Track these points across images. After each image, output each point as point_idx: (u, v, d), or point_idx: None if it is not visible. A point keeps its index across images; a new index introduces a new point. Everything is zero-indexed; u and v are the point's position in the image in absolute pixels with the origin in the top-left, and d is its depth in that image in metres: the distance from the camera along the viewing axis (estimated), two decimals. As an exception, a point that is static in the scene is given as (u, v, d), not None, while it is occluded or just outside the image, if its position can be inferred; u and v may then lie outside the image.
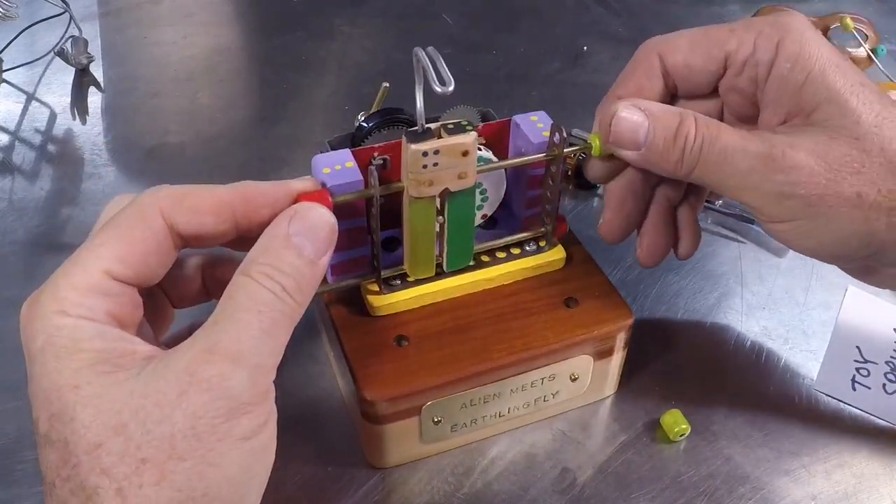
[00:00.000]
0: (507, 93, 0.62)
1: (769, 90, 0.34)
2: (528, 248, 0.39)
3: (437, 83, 0.30)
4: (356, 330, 0.36)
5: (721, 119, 0.37)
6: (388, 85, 0.45)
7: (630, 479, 0.37)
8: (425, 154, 0.32)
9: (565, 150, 0.36)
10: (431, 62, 0.30)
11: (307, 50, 0.68)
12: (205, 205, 0.29)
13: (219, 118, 0.61)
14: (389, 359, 0.35)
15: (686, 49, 0.36)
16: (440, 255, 0.37)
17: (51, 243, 0.49)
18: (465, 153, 0.32)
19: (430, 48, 0.30)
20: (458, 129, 0.32)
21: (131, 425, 0.25)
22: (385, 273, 0.36)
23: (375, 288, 0.36)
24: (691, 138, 0.33)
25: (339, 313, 0.37)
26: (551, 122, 0.36)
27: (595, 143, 0.36)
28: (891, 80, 0.63)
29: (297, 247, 0.28)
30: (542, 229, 0.39)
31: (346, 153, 0.35)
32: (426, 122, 0.32)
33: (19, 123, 0.60)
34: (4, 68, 0.61)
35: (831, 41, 0.67)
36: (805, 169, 0.31)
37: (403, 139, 0.32)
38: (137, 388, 0.25)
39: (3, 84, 0.61)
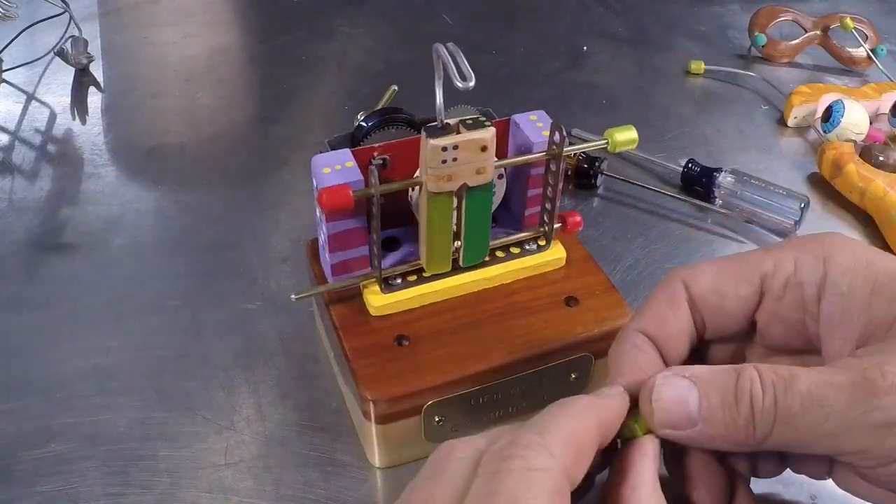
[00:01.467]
0: (507, 93, 0.62)
1: (828, 315, 0.28)
2: (527, 247, 0.39)
3: (458, 79, 0.30)
4: (357, 330, 0.36)
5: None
6: (396, 88, 0.45)
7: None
8: (445, 149, 0.32)
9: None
10: (452, 58, 0.30)
11: (307, 50, 0.68)
12: None
13: (219, 118, 0.61)
14: (390, 358, 0.35)
15: (714, 274, 0.30)
16: (457, 250, 0.37)
17: (51, 243, 0.49)
18: (483, 148, 0.33)
19: (450, 44, 0.31)
20: (477, 124, 0.33)
21: None
22: (385, 273, 0.36)
23: (376, 288, 0.36)
24: (758, 393, 0.26)
25: (339, 313, 0.37)
26: (551, 121, 0.36)
27: (637, 426, 0.28)
28: (891, 80, 0.63)
29: None
30: (542, 229, 0.39)
31: (345, 153, 0.35)
32: (430, 121, 0.33)
33: (19, 123, 0.60)
34: (4, 68, 0.61)
35: (831, 41, 0.67)
36: None
37: (423, 134, 0.32)
38: None
39: (3, 84, 0.61)
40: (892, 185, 0.49)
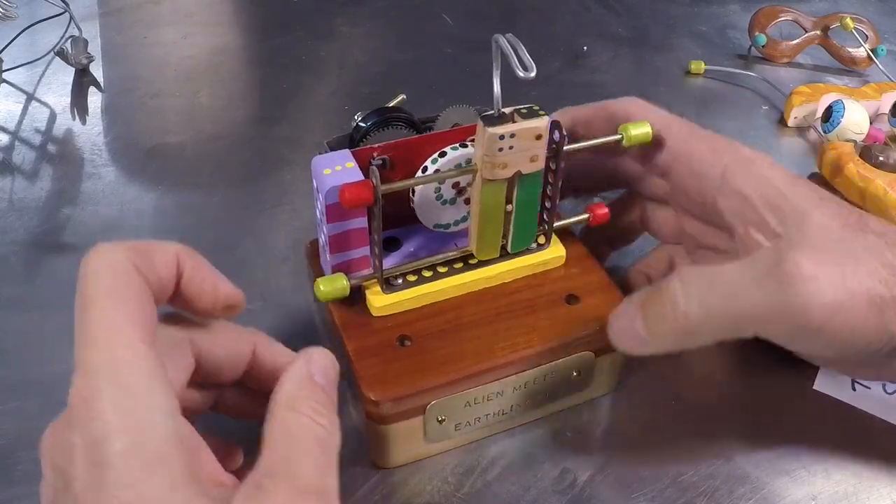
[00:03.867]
0: (507, 93, 0.62)
1: (726, 206, 0.35)
2: (532, 245, 0.39)
3: (520, 69, 0.30)
4: (358, 330, 0.36)
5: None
6: (404, 97, 0.45)
7: (630, 479, 0.37)
8: (502, 137, 0.33)
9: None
10: (512, 48, 0.31)
11: (307, 50, 0.68)
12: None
13: (219, 118, 0.61)
14: (392, 358, 0.35)
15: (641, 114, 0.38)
16: (505, 237, 0.37)
17: (51, 243, 0.49)
18: (538, 136, 0.33)
19: (509, 35, 0.31)
20: (532, 113, 0.33)
21: None
22: (386, 273, 0.36)
23: (377, 288, 0.36)
24: (682, 301, 0.31)
25: (340, 314, 0.37)
26: (549, 118, 0.36)
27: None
28: (891, 80, 0.63)
29: (321, 385, 0.29)
30: (542, 227, 0.39)
31: (345, 154, 0.35)
32: (429, 121, 0.33)
33: (19, 123, 0.60)
34: (4, 68, 0.61)
35: (831, 41, 0.67)
36: (823, 278, 0.30)
37: (479, 123, 0.33)
38: None
39: (3, 84, 0.61)
40: (892, 185, 0.49)
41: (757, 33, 0.67)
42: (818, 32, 0.67)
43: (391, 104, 0.45)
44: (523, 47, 0.31)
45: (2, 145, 0.58)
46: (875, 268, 0.30)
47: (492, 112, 0.33)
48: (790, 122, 0.60)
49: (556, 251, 0.39)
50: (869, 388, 0.41)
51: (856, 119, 0.55)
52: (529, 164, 0.34)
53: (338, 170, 0.34)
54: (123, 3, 0.74)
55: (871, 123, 0.56)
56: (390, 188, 0.33)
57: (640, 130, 0.37)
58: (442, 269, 0.38)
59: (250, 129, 0.60)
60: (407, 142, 0.36)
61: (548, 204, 0.38)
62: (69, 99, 0.62)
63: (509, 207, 0.36)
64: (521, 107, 0.34)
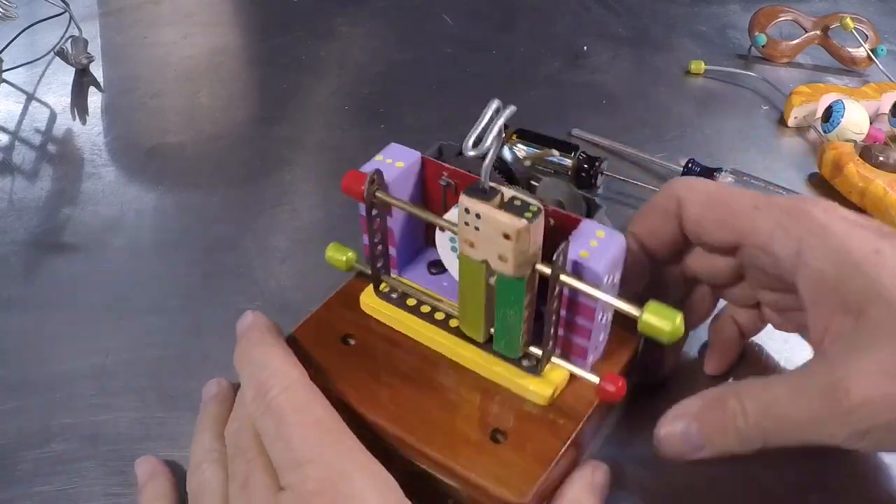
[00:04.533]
0: (507, 93, 0.62)
1: (804, 287, 0.31)
2: (525, 362, 0.33)
3: (471, 142, 0.28)
4: (340, 308, 0.37)
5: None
6: (514, 108, 0.42)
7: (630, 478, 0.37)
8: (467, 211, 0.29)
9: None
10: (490, 120, 0.28)
11: (307, 50, 0.68)
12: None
13: (219, 118, 0.61)
14: (328, 346, 0.36)
15: (702, 205, 0.33)
16: (491, 326, 0.33)
17: (51, 243, 0.49)
18: (506, 236, 0.29)
19: (507, 109, 0.28)
20: (519, 207, 0.28)
21: None
22: (390, 284, 0.36)
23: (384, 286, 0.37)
24: (740, 421, 0.30)
25: (352, 287, 0.37)
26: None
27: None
28: (891, 80, 0.63)
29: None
30: (535, 349, 0.33)
31: (413, 156, 0.35)
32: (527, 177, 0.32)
33: (19, 123, 0.60)
34: (4, 68, 0.61)
35: (831, 41, 0.67)
36: (877, 400, 0.28)
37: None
38: None
39: (3, 84, 0.61)
40: (892, 185, 0.49)
41: (757, 33, 0.67)
42: (818, 32, 0.67)
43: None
44: (498, 125, 0.28)
45: (2, 145, 0.58)
46: None
47: (481, 183, 0.29)
48: (790, 123, 0.60)
49: (541, 387, 0.33)
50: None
51: (856, 119, 0.55)
52: (498, 262, 0.30)
53: (388, 162, 0.34)
54: (123, 3, 0.74)
55: (871, 123, 0.56)
56: (383, 199, 0.33)
57: (660, 323, 0.28)
58: (438, 317, 0.35)
59: (250, 129, 0.60)
60: (472, 178, 0.34)
61: (547, 328, 0.32)
62: (69, 99, 0.62)
63: (487, 297, 0.32)
64: (520, 196, 0.29)
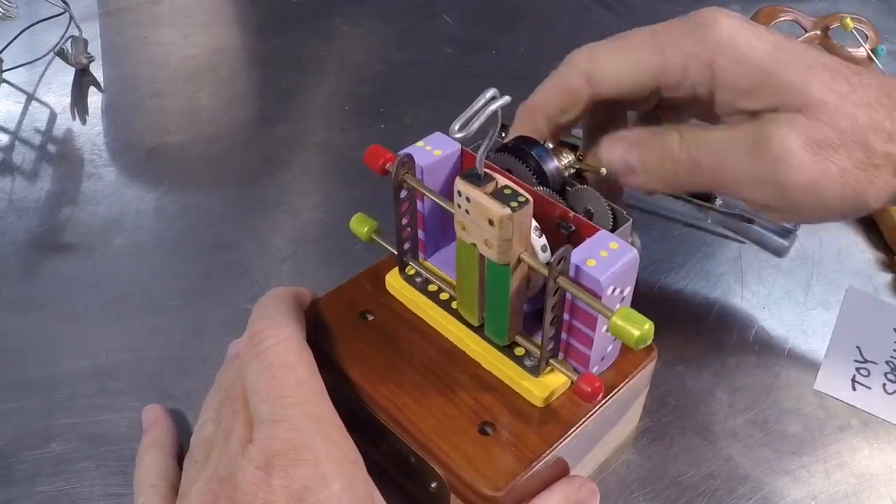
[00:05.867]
0: (507, 93, 0.62)
1: (721, 101, 0.35)
2: (527, 362, 0.34)
3: (458, 125, 0.28)
4: (364, 286, 0.38)
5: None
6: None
7: (630, 479, 0.37)
8: (460, 194, 0.30)
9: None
10: (480, 110, 0.28)
11: (307, 50, 0.68)
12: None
13: (219, 118, 0.61)
14: (346, 318, 0.37)
15: (614, 75, 0.37)
16: (483, 312, 0.34)
17: (51, 243, 0.49)
18: (490, 222, 0.30)
19: (503, 98, 0.29)
20: (507, 196, 0.29)
21: None
22: (414, 268, 0.37)
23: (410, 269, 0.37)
24: (677, 150, 0.35)
25: (378, 268, 0.39)
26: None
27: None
28: (891, 80, 0.63)
29: None
30: (537, 348, 0.33)
31: (453, 146, 0.35)
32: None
33: (19, 123, 0.60)
34: (4, 68, 0.61)
35: (831, 41, 0.67)
36: (795, 155, 0.33)
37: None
38: None
39: (3, 84, 0.61)
40: (892, 185, 0.49)
41: (757, 33, 0.67)
42: (818, 32, 0.67)
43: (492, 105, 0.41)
44: (487, 113, 0.28)
45: (2, 145, 0.58)
46: (853, 150, 0.33)
47: (475, 169, 0.30)
48: (790, 122, 0.60)
49: (538, 388, 0.33)
50: (869, 388, 0.41)
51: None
52: (484, 247, 0.31)
53: (427, 149, 0.35)
54: (123, 3, 0.74)
55: (871, 123, 0.56)
56: (410, 183, 0.34)
57: (630, 327, 0.28)
58: (455, 305, 0.36)
59: (250, 129, 0.60)
60: (508, 176, 0.34)
61: (548, 332, 0.32)
62: (69, 99, 0.62)
63: (479, 281, 0.33)
64: (511, 186, 0.30)
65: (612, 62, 0.37)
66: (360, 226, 0.37)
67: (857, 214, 0.36)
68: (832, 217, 0.36)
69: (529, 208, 0.30)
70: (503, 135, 0.40)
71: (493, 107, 0.28)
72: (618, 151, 0.36)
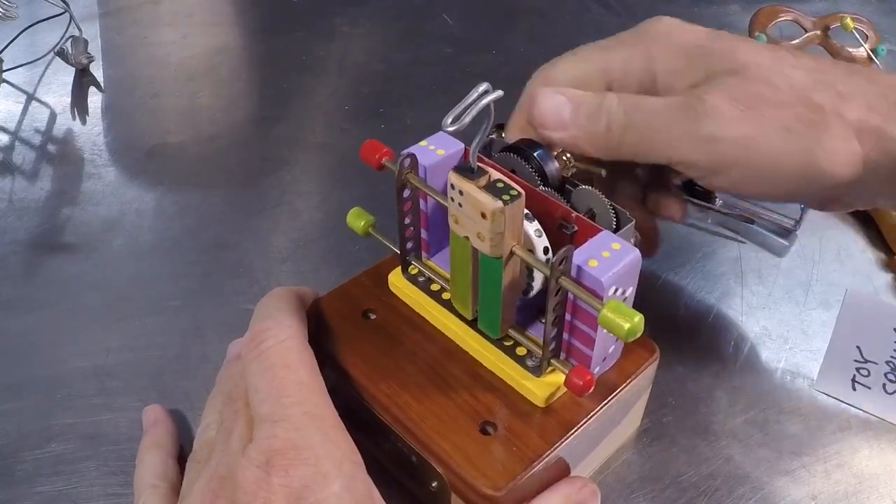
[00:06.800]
0: (506, 93, 0.62)
1: (664, 88, 0.37)
2: (529, 361, 0.34)
3: (451, 118, 0.28)
4: (364, 285, 0.38)
5: None
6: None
7: (630, 479, 0.37)
8: (453, 187, 0.30)
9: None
10: (474, 103, 0.28)
11: (307, 50, 0.68)
12: None
13: (219, 118, 0.61)
14: (348, 317, 0.37)
15: (569, 76, 0.38)
16: (476, 306, 0.34)
17: (51, 243, 0.49)
18: (483, 215, 0.30)
19: (496, 93, 0.29)
20: (499, 190, 0.30)
21: None
22: (416, 266, 0.37)
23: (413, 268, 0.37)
24: (614, 108, 0.35)
25: (380, 268, 0.39)
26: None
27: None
28: (891, 80, 0.63)
29: None
30: (537, 346, 0.33)
31: (456, 146, 0.35)
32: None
33: (19, 123, 0.60)
34: (4, 68, 0.61)
35: (831, 41, 0.67)
36: (725, 110, 0.33)
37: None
38: None
39: (3, 84, 0.61)
40: (892, 185, 0.49)
41: (757, 33, 0.67)
42: (818, 32, 0.67)
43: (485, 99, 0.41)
44: (480, 106, 0.28)
45: (2, 145, 0.58)
46: (795, 106, 0.33)
47: (469, 163, 0.30)
48: (790, 122, 0.60)
49: (539, 388, 0.33)
50: (869, 388, 0.41)
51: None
52: (476, 240, 0.31)
53: (430, 149, 0.35)
54: (123, 3, 0.74)
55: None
56: (412, 182, 0.34)
57: (619, 320, 0.29)
58: (447, 296, 0.36)
59: (250, 129, 0.60)
60: (510, 176, 0.34)
61: (551, 332, 0.32)
62: (69, 99, 0.62)
63: (472, 274, 0.33)
64: (504, 180, 0.30)
65: (566, 69, 0.38)
66: (357, 220, 0.37)
67: (818, 181, 0.34)
68: (788, 183, 0.34)
69: (521, 201, 0.30)
70: (502, 135, 0.40)
71: (485, 100, 0.28)
72: (553, 101, 0.36)
